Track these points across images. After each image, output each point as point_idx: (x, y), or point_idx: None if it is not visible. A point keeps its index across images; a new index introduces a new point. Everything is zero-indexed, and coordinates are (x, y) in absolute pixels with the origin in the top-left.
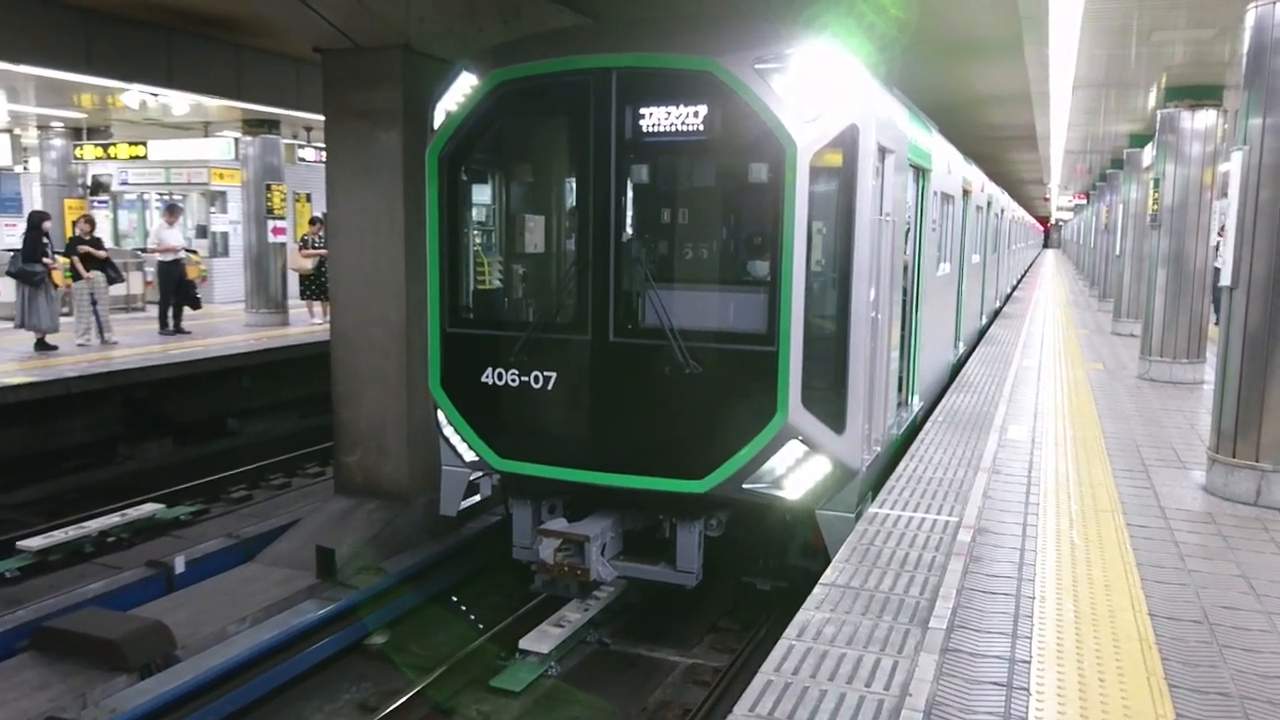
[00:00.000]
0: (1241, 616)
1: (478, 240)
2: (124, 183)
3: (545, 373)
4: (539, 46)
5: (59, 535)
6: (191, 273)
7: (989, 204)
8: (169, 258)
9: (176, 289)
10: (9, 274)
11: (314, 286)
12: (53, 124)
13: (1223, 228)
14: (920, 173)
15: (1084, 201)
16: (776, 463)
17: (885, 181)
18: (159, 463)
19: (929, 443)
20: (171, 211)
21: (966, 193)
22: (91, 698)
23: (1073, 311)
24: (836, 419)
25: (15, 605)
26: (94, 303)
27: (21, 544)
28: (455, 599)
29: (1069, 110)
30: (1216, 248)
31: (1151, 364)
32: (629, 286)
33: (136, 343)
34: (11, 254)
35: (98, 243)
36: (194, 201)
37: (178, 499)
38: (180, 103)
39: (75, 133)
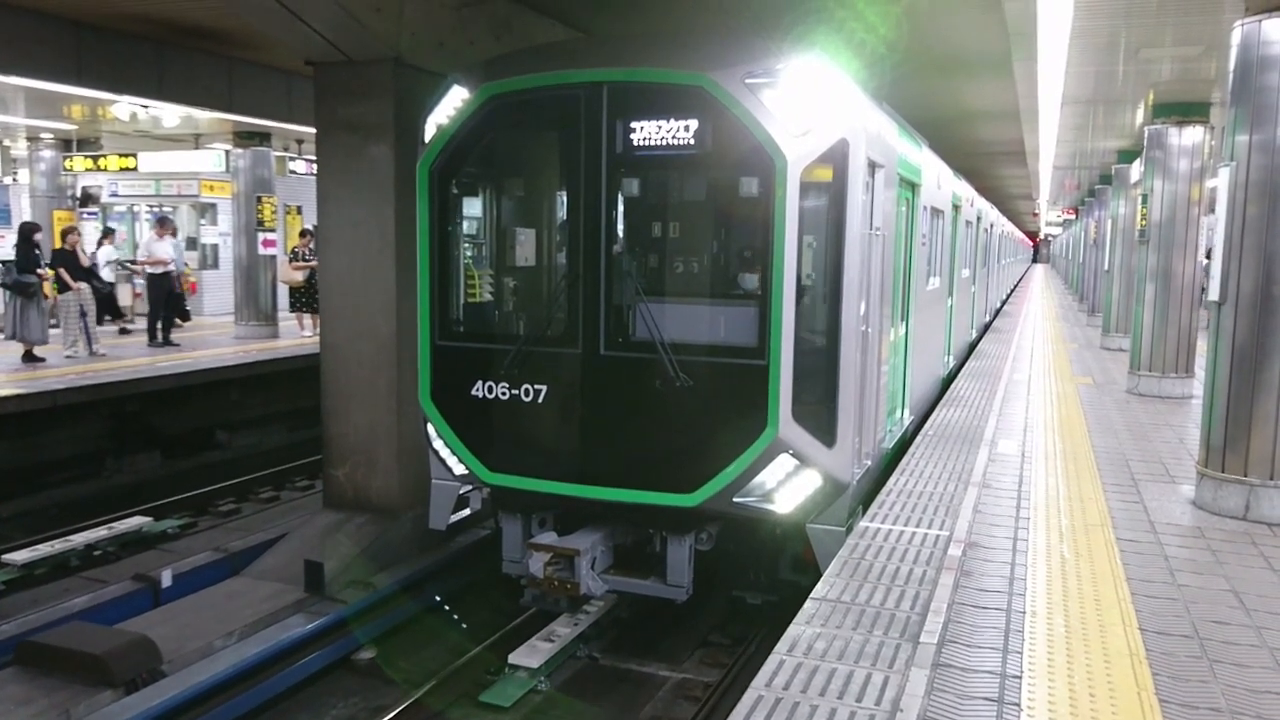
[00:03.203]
0: (1231, 631)
1: (468, 253)
2: (114, 194)
3: (536, 386)
4: (530, 60)
5: (44, 549)
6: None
7: (978, 219)
8: (159, 270)
9: (166, 301)
10: (3, 285)
11: (304, 299)
12: (42, 135)
13: (1209, 250)
14: (910, 187)
15: (1073, 217)
16: (767, 476)
17: (875, 196)
18: (146, 476)
19: (919, 457)
20: (162, 224)
21: (956, 207)
22: (76, 713)
23: (1061, 326)
24: (827, 433)
25: None
26: (83, 314)
27: (6, 557)
28: (445, 613)
29: (1057, 126)
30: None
31: (1140, 379)
32: (619, 300)
33: (125, 355)
34: (3, 265)
35: (73, 260)
36: (184, 213)
37: (165, 512)
38: (171, 115)
39: (65, 144)
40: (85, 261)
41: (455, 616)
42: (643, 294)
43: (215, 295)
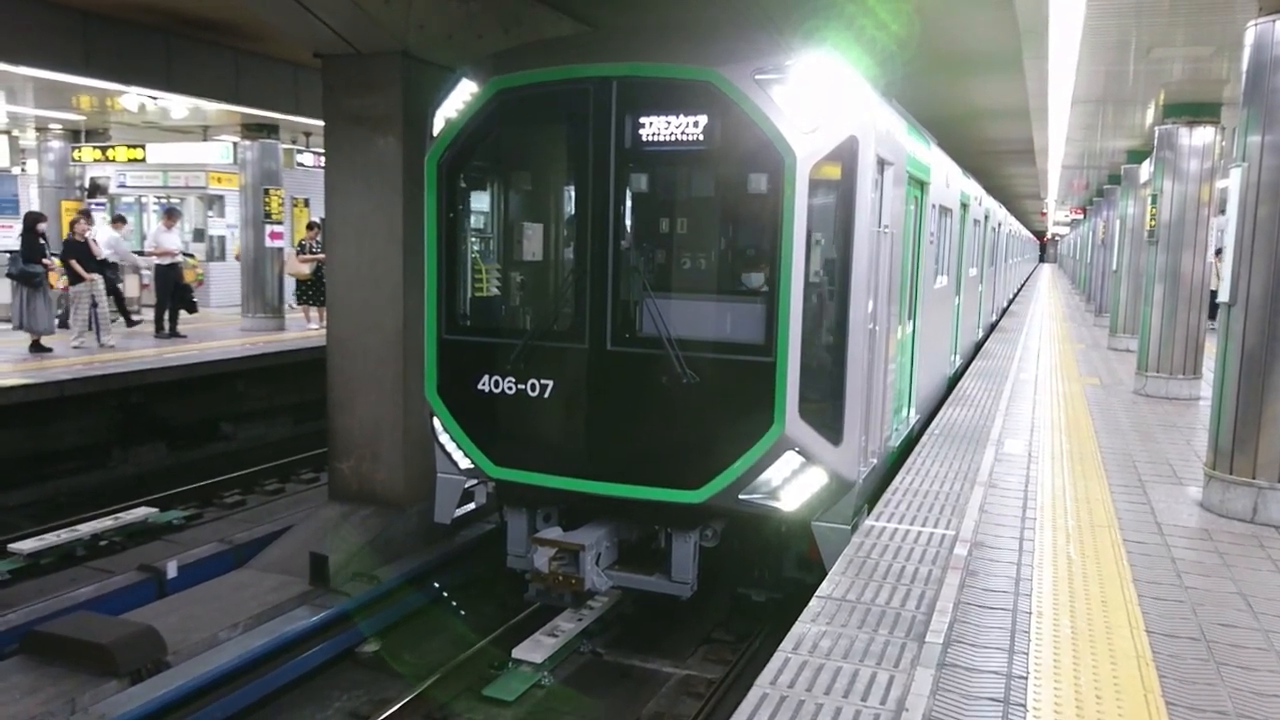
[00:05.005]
0: (1238, 634)
1: (476, 247)
2: (122, 185)
3: (542, 381)
4: (539, 55)
5: (51, 538)
6: (188, 276)
7: (986, 218)
8: (166, 261)
9: (173, 293)
10: (8, 275)
11: (311, 292)
12: (51, 126)
13: (1219, 250)
14: (919, 185)
15: (1081, 216)
16: (773, 474)
17: (884, 194)
18: (152, 466)
19: (925, 456)
20: (170, 215)
21: (964, 206)
22: (81, 703)
23: (1069, 326)
24: (833, 430)
25: (6, 609)
26: (94, 305)
27: (13, 547)
28: (449, 607)
29: (1067, 125)
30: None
31: (1148, 379)
32: (627, 295)
33: (132, 346)
34: (10, 255)
35: (85, 250)
36: (191, 205)
37: (171, 503)
38: (179, 106)
39: (73, 135)
40: (98, 253)
41: (459, 610)
42: (650, 290)
43: (222, 287)
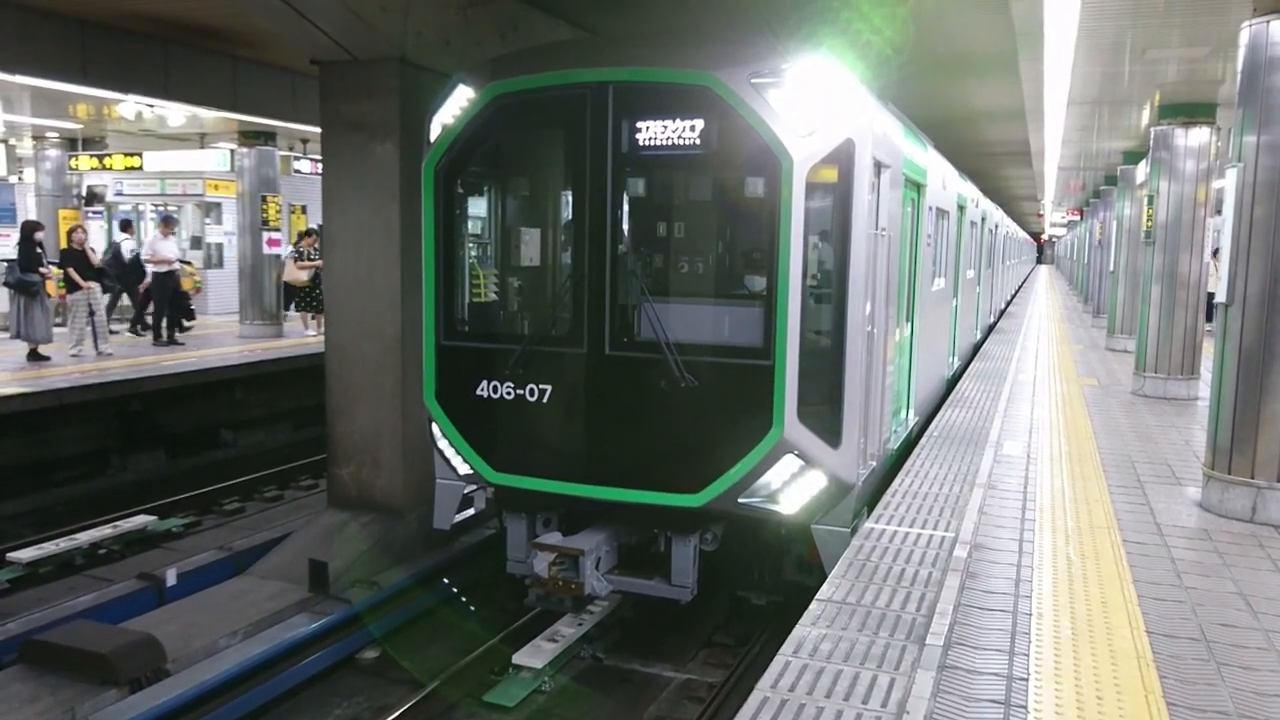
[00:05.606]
0: (1238, 634)
1: (473, 253)
2: (119, 193)
3: (540, 386)
4: (536, 60)
5: (49, 547)
6: (186, 284)
7: (983, 219)
8: (164, 269)
9: (171, 300)
10: (6, 284)
11: (308, 299)
12: (48, 134)
13: (1216, 251)
14: (915, 188)
15: (1078, 218)
16: (772, 477)
17: (881, 196)
18: (151, 474)
19: (924, 458)
20: (167, 223)
21: (961, 208)
22: (80, 712)
23: (1066, 327)
24: (832, 433)
25: (4, 618)
26: (91, 313)
27: (12, 556)
28: (449, 613)
29: (1063, 127)
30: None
31: (1146, 380)
32: (624, 299)
33: (130, 354)
34: (7, 264)
35: (83, 259)
36: (189, 212)
37: (170, 511)
38: (176, 114)
39: (70, 143)
40: (95, 260)
41: (459, 616)
42: (648, 294)
43: (220, 294)
